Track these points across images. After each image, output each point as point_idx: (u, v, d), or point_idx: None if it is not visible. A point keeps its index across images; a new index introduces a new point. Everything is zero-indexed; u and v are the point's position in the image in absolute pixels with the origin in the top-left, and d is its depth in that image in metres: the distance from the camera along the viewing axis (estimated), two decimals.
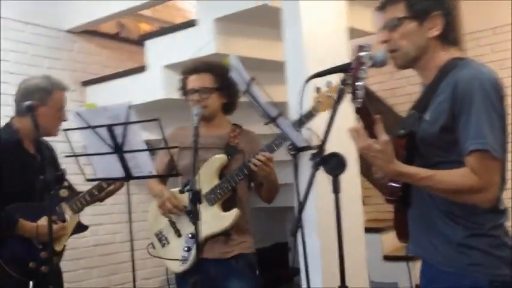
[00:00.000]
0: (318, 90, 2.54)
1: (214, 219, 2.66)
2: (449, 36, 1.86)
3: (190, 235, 2.72)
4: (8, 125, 2.84)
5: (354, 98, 1.65)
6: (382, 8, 1.91)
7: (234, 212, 2.68)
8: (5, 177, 2.66)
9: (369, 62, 1.69)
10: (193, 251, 2.69)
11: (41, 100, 2.75)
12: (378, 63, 1.78)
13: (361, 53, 1.68)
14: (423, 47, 1.85)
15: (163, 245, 2.82)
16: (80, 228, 2.98)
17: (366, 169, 3.38)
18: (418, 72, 1.92)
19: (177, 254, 2.74)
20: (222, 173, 2.74)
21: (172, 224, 2.80)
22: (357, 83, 1.65)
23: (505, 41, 4.89)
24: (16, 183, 2.68)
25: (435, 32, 1.83)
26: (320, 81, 2.49)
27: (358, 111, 1.68)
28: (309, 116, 2.61)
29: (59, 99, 2.86)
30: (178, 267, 2.74)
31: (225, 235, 2.71)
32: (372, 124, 1.69)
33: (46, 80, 2.85)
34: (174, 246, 2.78)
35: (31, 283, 2.64)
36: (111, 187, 2.96)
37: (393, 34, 1.86)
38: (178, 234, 2.78)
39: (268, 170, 2.62)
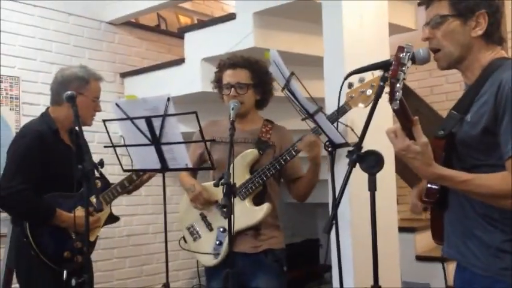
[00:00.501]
0: (350, 85, 2.54)
1: (245, 214, 2.67)
2: (494, 35, 1.81)
3: (221, 229, 2.74)
4: (45, 115, 2.88)
5: (392, 99, 1.61)
6: (426, 3, 1.88)
7: (265, 206, 2.68)
8: (44, 166, 2.72)
9: (409, 63, 1.66)
10: (225, 245, 2.70)
11: (78, 89, 2.78)
12: (420, 61, 1.75)
13: (402, 54, 1.64)
14: (467, 47, 1.81)
15: (194, 239, 2.84)
16: (112, 219, 3.03)
17: (402, 168, 3.34)
18: (461, 73, 1.88)
19: (209, 248, 2.76)
20: (253, 167, 2.74)
21: (204, 217, 2.81)
22: (395, 85, 1.62)
23: None
24: (53, 173, 2.73)
25: (479, 31, 1.79)
26: (354, 77, 2.49)
27: (396, 111, 1.65)
28: (342, 111, 2.60)
29: (95, 89, 2.90)
30: (210, 260, 2.76)
31: (254, 230, 2.72)
32: (410, 125, 1.67)
33: (83, 70, 2.89)
34: (206, 240, 2.79)
35: (65, 272, 2.67)
36: (139, 180, 3.00)
37: (436, 32, 1.83)
38: (210, 228, 2.79)
39: (318, 150, 2.60)
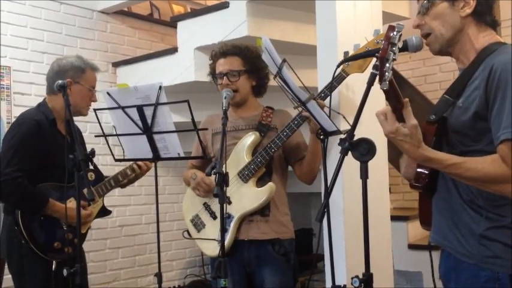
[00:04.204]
0: (346, 54, 2.54)
1: (248, 196, 2.61)
2: (485, 15, 1.80)
3: (225, 215, 2.68)
4: (42, 104, 2.87)
5: (381, 79, 1.58)
6: None
7: (268, 186, 2.63)
8: (40, 156, 2.71)
9: (400, 44, 1.63)
10: (230, 232, 2.64)
11: (73, 78, 2.79)
12: (412, 48, 1.74)
13: (392, 33, 1.60)
14: (457, 27, 1.79)
15: (199, 230, 2.78)
16: (104, 212, 3.02)
17: (394, 157, 3.34)
18: (455, 57, 1.86)
19: (213, 236, 2.69)
20: (256, 150, 2.70)
21: (207, 207, 2.77)
22: (385, 64, 1.58)
23: None
24: (49, 163, 2.72)
25: (467, 9, 1.78)
26: (349, 46, 2.51)
27: (386, 93, 1.63)
28: (340, 79, 2.60)
29: (91, 78, 2.89)
30: (214, 251, 2.68)
31: (262, 215, 2.66)
32: (401, 108, 1.65)
33: (79, 59, 2.88)
34: (210, 229, 2.74)
35: (54, 263, 2.68)
36: (133, 175, 2.99)
37: (426, 17, 1.82)
38: (214, 216, 2.73)
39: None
